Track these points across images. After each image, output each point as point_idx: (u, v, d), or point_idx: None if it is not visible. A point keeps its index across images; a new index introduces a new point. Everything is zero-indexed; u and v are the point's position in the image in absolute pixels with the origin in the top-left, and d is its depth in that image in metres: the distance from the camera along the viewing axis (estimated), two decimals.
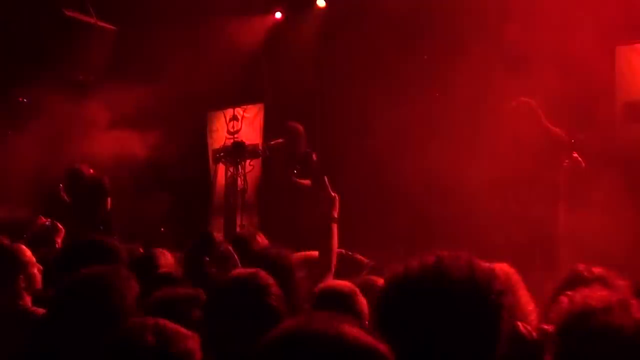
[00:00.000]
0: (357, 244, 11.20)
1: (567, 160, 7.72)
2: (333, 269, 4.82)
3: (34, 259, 4.56)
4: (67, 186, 10.32)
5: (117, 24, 11.51)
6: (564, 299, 2.41)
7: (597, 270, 3.62)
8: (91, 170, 10.44)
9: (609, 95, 10.11)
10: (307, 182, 10.20)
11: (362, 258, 5.70)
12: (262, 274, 3.12)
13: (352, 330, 1.67)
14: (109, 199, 10.33)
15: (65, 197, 10.34)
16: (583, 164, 7.72)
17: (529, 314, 3.30)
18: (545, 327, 2.46)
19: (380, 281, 4.05)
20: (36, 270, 4.49)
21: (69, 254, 3.91)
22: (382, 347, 1.69)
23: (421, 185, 11.22)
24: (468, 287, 1.95)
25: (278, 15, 13.55)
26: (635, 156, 9.95)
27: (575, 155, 7.70)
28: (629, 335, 2.20)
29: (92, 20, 11.14)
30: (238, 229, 11.51)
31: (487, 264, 2.08)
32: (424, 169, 11.03)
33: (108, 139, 10.78)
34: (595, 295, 2.34)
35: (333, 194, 5.14)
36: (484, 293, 1.96)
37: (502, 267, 3.50)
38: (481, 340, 1.95)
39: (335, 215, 4.96)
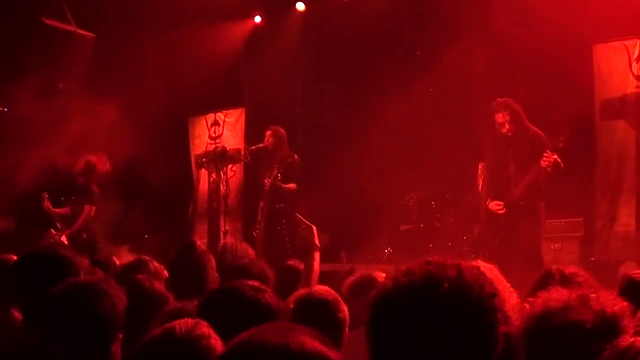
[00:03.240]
0: (339, 246, 11.29)
1: (546, 162, 7.76)
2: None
3: None
4: (52, 194, 10.34)
5: (97, 31, 11.48)
6: (525, 304, 2.41)
7: (569, 269, 3.64)
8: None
9: (587, 93, 10.20)
10: (290, 185, 10.20)
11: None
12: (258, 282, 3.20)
13: (299, 338, 1.73)
14: (93, 207, 10.33)
15: (50, 206, 10.32)
16: (562, 165, 7.77)
17: (509, 312, 3.34)
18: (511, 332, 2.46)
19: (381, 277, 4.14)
20: None
21: (27, 268, 3.89)
22: (332, 354, 1.76)
23: (405, 186, 11.28)
24: (459, 294, 1.91)
25: (257, 19, 13.56)
26: (613, 153, 10.05)
27: (555, 156, 7.74)
28: (589, 327, 2.23)
29: (72, 28, 11.11)
30: (221, 235, 11.51)
31: (471, 264, 2.05)
32: (409, 170, 11.09)
33: (88, 146, 10.75)
34: (554, 296, 2.35)
35: (311, 225, 5.48)
36: (476, 299, 1.92)
37: (481, 265, 3.53)
38: (478, 346, 1.92)
39: (317, 243, 5.25)
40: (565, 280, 3.38)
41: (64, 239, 9.54)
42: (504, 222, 8.13)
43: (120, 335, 2.97)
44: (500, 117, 8.20)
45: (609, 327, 2.24)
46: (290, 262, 5.82)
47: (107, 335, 2.92)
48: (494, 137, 8.24)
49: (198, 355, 2.40)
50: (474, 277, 1.96)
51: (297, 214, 5.69)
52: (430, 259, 1.99)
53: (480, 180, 8.66)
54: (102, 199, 10.56)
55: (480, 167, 8.72)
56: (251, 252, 5.68)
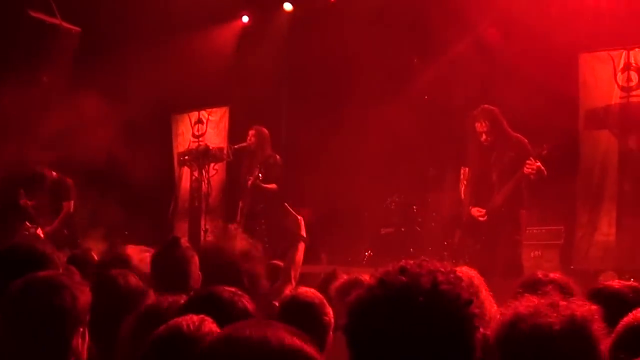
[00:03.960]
0: (319, 247, 11.28)
1: (529, 169, 7.76)
2: (294, 282, 5.07)
3: None
4: (29, 188, 10.25)
5: (82, 26, 11.42)
6: (498, 315, 2.43)
7: (553, 275, 3.65)
8: (54, 173, 10.38)
9: (572, 102, 10.23)
10: (271, 186, 10.16)
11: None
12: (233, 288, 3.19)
13: (276, 333, 1.76)
14: (72, 202, 10.27)
15: (27, 202, 10.25)
16: (545, 173, 7.77)
17: (491, 320, 3.32)
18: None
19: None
20: None
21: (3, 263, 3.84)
22: (308, 348, 1.77)
23: (387, 190, 11.28)
24: (434, 306, 1.90)
25: (245, 19, 13.55)
26: (595, 162, 10.09)
27: (538, 164, 7.73)
28: (557, 330, 2.24)
29: (57, 22, 11.05)
30: (202, 233, 11.46)
31: (450, 269, 2.03)
32: (391, 173, 11.09)
33: (72, 141, 10.69)
34: (523, 304, 2.37)
35: (297, 216, 5.49)
36: (451, 309, 1.91)
37: (464, 271, 3.52)
38: (456, 353, 1.91)
39: (304, 234, 5.25)
40: (558, 287, 3.38)
41: (39, 231, 9.48)
42: (485, 228, 8.13)
43: (82, 329, 2.94)
44: (479, 127, 8.20)
45: (578, 330, 2.26)
46: (274, 262, 5.81)
47: (67, 329, 2.89)
48: (477, 143, 8.24)
49: None
50: (449, 285, 1.94)
51: (285, 204, 5.67)
52: (405, 264, 1.98)
53: (463, 185, 8.67)
54: (81, 193, 10.51)
55: (463, 172, 8.73)
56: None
